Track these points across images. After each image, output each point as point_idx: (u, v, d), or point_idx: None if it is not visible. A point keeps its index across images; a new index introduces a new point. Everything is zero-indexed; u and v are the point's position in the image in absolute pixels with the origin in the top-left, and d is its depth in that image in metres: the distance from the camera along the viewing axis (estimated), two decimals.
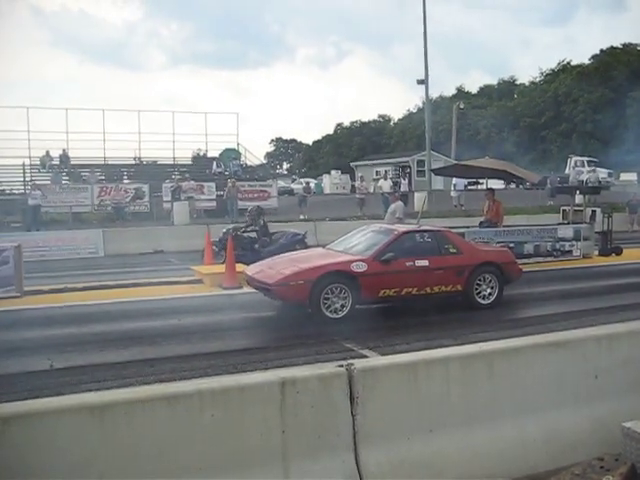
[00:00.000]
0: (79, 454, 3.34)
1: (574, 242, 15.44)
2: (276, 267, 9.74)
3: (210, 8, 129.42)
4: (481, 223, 15.52)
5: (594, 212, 17.39)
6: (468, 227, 15.28)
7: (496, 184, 28.17)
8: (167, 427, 3.53)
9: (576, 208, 17.87)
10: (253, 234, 14.98)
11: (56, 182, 28.88)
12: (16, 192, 30.33)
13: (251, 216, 15.40)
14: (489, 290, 10.27)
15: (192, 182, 28.93)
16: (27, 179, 29.74)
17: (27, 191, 26.11)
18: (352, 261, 9.48)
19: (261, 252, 14.01)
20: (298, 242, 15.02)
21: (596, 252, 16.34)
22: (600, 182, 32.50)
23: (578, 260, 15.38)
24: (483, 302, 10.23)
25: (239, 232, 14.79)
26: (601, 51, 65.71)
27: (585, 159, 42.51)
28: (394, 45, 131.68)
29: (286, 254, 11.10)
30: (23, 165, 30.60)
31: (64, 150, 32.00)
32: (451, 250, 10.20)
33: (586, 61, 66.09)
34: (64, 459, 3.31)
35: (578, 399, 4.73)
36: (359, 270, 9.33)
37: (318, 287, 9.05)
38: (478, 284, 10.21)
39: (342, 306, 9.19)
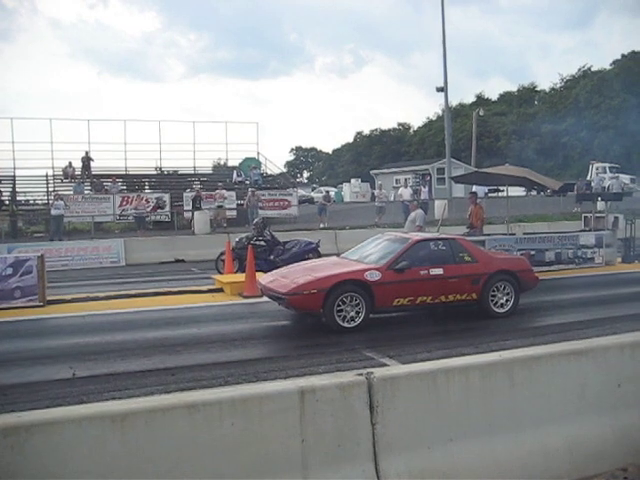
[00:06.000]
0: (100, 462, 3.36)
1: (596, 249, 15.29)
2: (290, 276, 9.74)
3: (227, 18, 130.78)
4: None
5: (616, 219, 17.20)
6: (489, 235, 15.22)
7: (517, 191, 28.02)
8: (187, 436, 3.54)
9: (598, 215, 17.71)
10: (262, 243, 15.04)
11: (78, 192, 29.19)
12: (39, 202, 30.73)
13: (257, 228, 15.48)
14: (505, 298, 10.15)
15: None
16: (50, 189, 30.09)
17: (50, 201, 26.39)
18: (366, 270, 9.44)
19: (275, 261, 14.09)
20: (311, 251, 15.07)
21: (619, 259, 16.17)
22: (623, 188, 32.14)
23: (600, 267, 15.22)
24: (499, 311, 10.11)
25: (252, 241, 14.86)
26: (622, 56, 65.13)
27: (607, 165, 42.07)
28: (413, 53, 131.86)
29: (300, 263, 11.12)
30: (46, 176, 30.99)
31: (87, 152, 32.24)
32: (466, 258, 10.12)
33: (607, 66, 65.61)
34: (85, 467, 3.33)
35: (601, 408, 4.67)
36: (373, 279, 9.28)
37: (331, 296, 9.02)
38: (493, 293, 10.09)
39: (356, 314, 9.16)
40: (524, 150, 58.87)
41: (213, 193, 28.24)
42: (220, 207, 27.20)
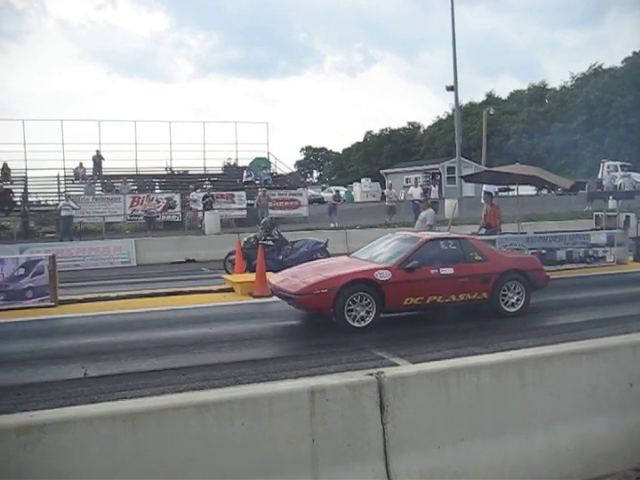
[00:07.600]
0: (111, 461, 3.38)
1: (607, 248, 15.24)
2: (300, 276, 9.74)
3: (236, 17, 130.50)
4: (481, 228, 15.50)
5: (628, 217, 17.11)
6: (500, 234, 15.17)
7: (527, 190, 27.87)
8: (198, 435, 3.55)
9: (609, 213, 17.63)
10: (271, 243, 15.04)
11: (89, 193, 29.32)
12: (51, 203, 30.89)
13: (265, 228, 15.47)
14: (516, 297, 10.11)
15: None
16: (61, 190, 30.23)
17: (61, 202, 26.52)
18: (376, 269, 9.42)
19: (284, 261, 14.09)
20: (320, 250, 15.07)
21: (631, 258, 16.09)
22: (634, 187, 31.93)
23: (612, 266, 15.16)
24: (510, 310, 10.06)
25: (260, 241, 14.87)
26: (634, 53, 64.64)
27: (618, 164, 41.73)
28: (422, 51, 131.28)
29: (310, 263, 11.11)
30: (58, 177, 31.14)
31: (97, 151, 32.34)
32: (476, 257, 10.09)
33: (619, 64, 65.14)
34: (96, 466, 3.35)
35: (612, 408, 4.64)
36: (383, 278, 9.27)
37: (342, 296, 9.01)
38: (504, 292, 10.05)
39: (366, 314, 9.14)
40: (535, 149, 58.69)
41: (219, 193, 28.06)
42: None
